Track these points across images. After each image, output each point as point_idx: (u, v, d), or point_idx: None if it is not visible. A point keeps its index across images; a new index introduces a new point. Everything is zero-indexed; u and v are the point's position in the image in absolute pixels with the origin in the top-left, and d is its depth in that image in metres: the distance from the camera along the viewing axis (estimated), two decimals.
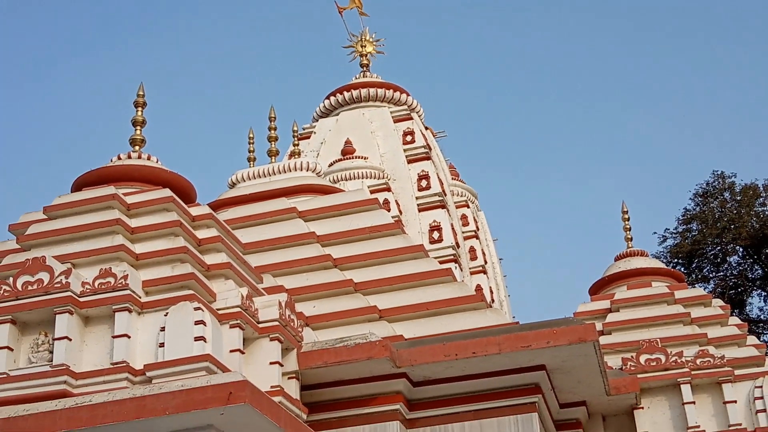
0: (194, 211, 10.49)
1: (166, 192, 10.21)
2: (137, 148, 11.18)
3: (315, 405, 10.46)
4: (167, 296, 9.23)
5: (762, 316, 31.28)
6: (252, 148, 15.59)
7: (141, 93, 11.40)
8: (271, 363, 9.82)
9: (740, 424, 12.51)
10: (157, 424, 7.83)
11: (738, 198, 30.74)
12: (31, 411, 7.96)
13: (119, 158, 11.03)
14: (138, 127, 11.29)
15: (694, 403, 12.55)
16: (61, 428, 7.76)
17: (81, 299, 9.06)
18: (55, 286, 9.02)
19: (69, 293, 8.97)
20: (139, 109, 11.36)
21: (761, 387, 12.60)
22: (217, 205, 13.20)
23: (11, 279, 9.23)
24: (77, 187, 10.58)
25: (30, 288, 9.08)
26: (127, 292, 9.08)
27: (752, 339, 13.83)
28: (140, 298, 9.25)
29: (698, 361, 12.86)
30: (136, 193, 10.26)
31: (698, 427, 12.39)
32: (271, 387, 9.51)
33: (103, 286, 9.12)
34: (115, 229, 9.74)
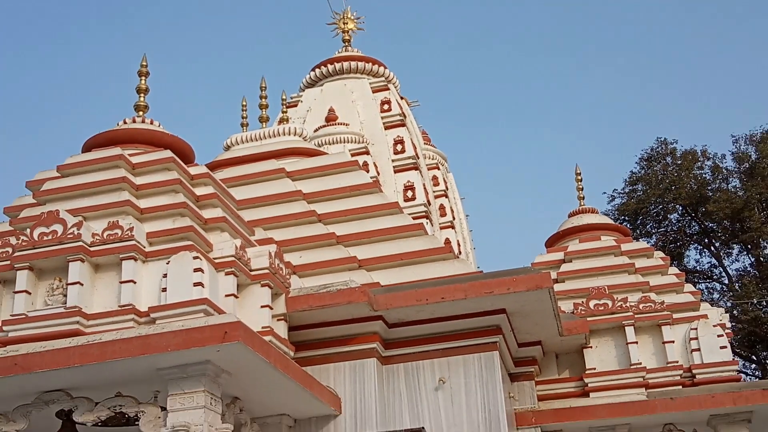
0: (193, 170, 10.48)
1: (168, 153, 10.19)
2: (141, 113, 11.12)
3: (301, 344, 10.54)
4: (169, 246, 9.26)
5: (698, 267, 31.68)
6: (245, 115, 15.59)
7: (144, 63, 11.31)
8: (262, 306, 9.88)
9: (677, 362, 12.70)
10: (160, 360, 7.90)
11: (678, 162, 30.93)
12: (47, 348, 8.00)
13: (125, 122, 10.98)
14: (142, 95, 11.22)
15: (636, 343, 12.70)
16: (74, 363, 7.81)
17: (91, 248, 9.07)
18: (68, 236, 9.02)
19: (80, 243, 8.98)
20: (143, 78, 11.28)
21: (696, 329, 12.78)
22: (214, 166, 13.17)
23: (28, 230, 9.22)
24: (87, 148, 10.53)
25: (45, 238, 9.08)
26: (133, 242, 9.09)
27: (689, 287, 13.99)
28: (144, 248, 9.27)
29: (641, 306, 13.00)
30: (140, 154, 10.24)
31: (640, 364, 12.55)
32: (262, 327, 9.58)
33: (111, 237, 9.13)
34: (121, 186, 9.73)
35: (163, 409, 8.04)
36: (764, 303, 29.11)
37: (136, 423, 8.19)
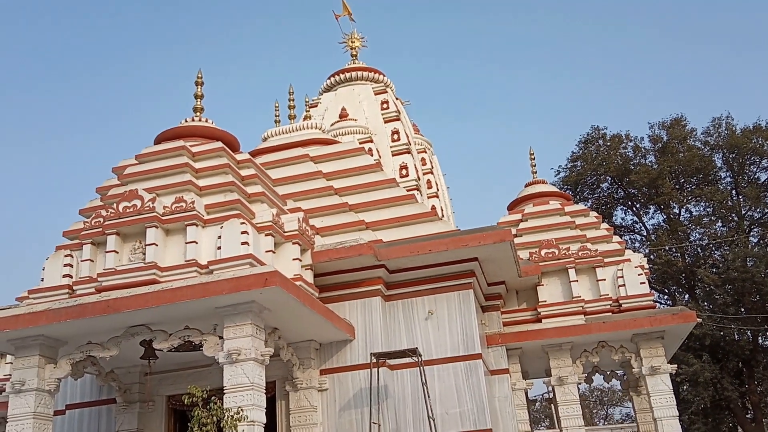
0: (238, 156, 10.40)
1: (219, 144, 10.11)
2: (198, 113, 11.00)
3: (324, 287, 10.55)
4: (222, 215, 9.24)
5: (623, 224, 31.56)
6: (277, 114, 15.47)
7: (200, 76, 11.17)
8: (293, 259, 9.89)
9: (608, 295, 12.69)
10: (217, 301, 7.92)
11: (608, 143, 30.68)
12: (133, 293, 8.02)
13: (186, 121, 10.86)
14: (198, 99, 11.09)
15: (577, 281, 12.69)
16: (152, 304, 7.84)
17: (163, 218, 9.05)
18: (145, 209, 9.00)
19: (155, 214, 8.96)
20: (199, 86, 11.15)
21: (621, 270, 12.76)
22: (254, 153, 13.06)
23: (115, 204, 9.19)
24: (158, 141, 10.44)
25: (128, 210, 9.06)
26: (195, 212, 9.07)
27: (616, 238, 13.92)
28: (203, 216, 9.24)
29: (580, 253, 12.98)
30: (198, 145, 10.15)
31: (579, 297, 12.55)
32: (294, 275, 9.58)
33: (177, 209, 9.10)
34: (184, 169, 9.67)
35: (221, 337, 8.08)
36: (673, 249, 29.09)
37: (201, 348, 8.24)
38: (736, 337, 26.67)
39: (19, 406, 8.20)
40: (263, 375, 8.13)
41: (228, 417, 7.48)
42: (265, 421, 8.02)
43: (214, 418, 7.47)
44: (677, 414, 11.59)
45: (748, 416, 27.14)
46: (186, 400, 7.69)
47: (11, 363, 9.55)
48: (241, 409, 7.59)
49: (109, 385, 10.29)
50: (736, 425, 28.27)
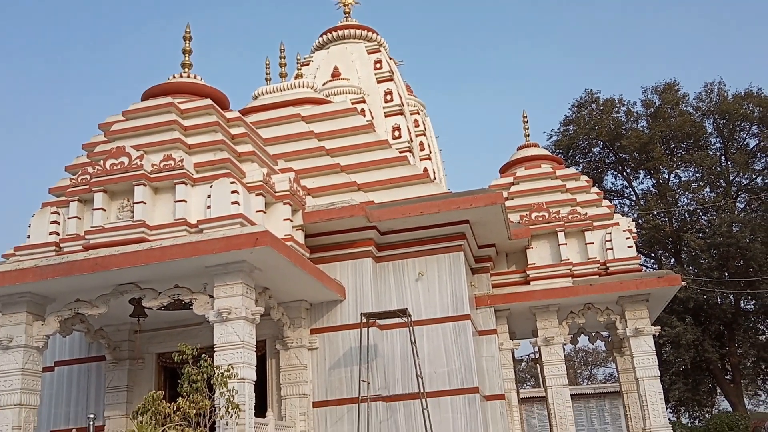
0: (228, 114, 10.18)
1: (208, 101, 9.87)
2: (186, 69, 10.73)
3: (315, 248, 10.48)
4: (211, 174, 9.06)
5: (613, 188, 31.61)
6: (268, 72, 15.16)
7: (188, 31, 10.86)
8: (284, 219, 9.77)
9: (595, 258, 12.72)
10: (207, 260, 7.83)
11: (601, 108, 30.51)
12: (121, 251, 7.91)
13: (174, 77, 10.59)
14: (187, 55, 10.80)
15: (566, 244, 12.69)
16: (141, 263, 7.74)
17: (151, 176, 8.87)
18: (133, 166, 8.81)
19: (143, 171, 8.77)
20: (187, 42, 10.84)
21: (610, 233, 12.75)
22: (245, 112, 12.83)
23: (102, 161, 8.99)
24: (145, 97, 10.18)
25: (115, 168, 8.87)
26: (183, 170, 8.89)
27: (606, 202, 13.88)
28: (192, 175, 9.06)
29: (569, 217, 12.95)
30: (186, 102, 9.91)
31: (568, 259, 12.57)
32: (285, 235, 9.48)
33: (166, 167, 8.92)
34: (173, 127, 9.45)
35: (211, 296, 8.01)
36: (661, 214, 29.21)
37: (190, 307, 8.18)
38: (719, 300, 27.00)
39: (7, 362, 8.15)
40: (254, 333, 8.10)
41: (218, 374, 7.48)
42: (255, 378, 8.02)
43: (205, 376, 7.47)
44: (659, 374, 11.76)
45: (728, 377, 27.68)
46: (176, 358, 7.67)
47: None
48: (231, 367, 7.58)
49: (99, 343, 10.25)
50: (715, 386, 28.84)
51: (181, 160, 8.90)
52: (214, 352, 7.82)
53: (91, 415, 8.10)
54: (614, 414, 24.58)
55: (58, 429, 10.14)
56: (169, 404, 7.31)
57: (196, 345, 7.83)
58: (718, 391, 29.30)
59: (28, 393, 8.14)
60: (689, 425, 28.61)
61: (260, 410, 8.66)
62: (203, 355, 7.68)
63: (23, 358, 8.15)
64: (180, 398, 7.35)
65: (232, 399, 7.41)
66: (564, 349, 12.43)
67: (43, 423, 10.13)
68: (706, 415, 29.30)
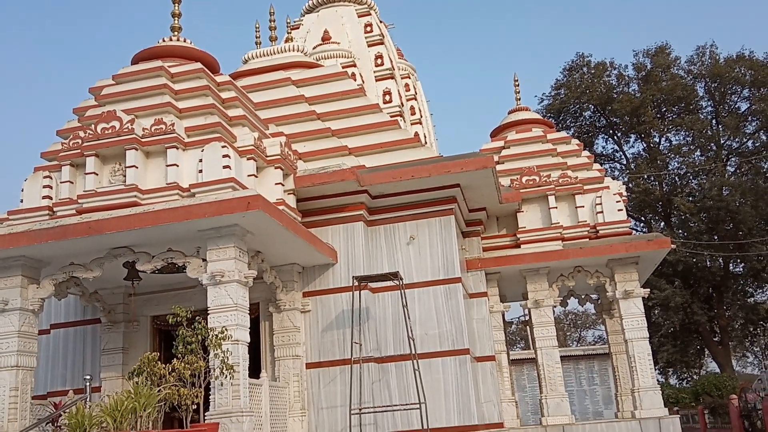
0: (219, 78, 10.15)
1: (198, 65, 9.84)
2: (176, 33, 10.65)
3: (307, 212, 10.57)
4: (202, 138, 9.09)
5: (604, 152, 31.75)
6: (258, 35, 15.01)
7: None
8: (275, 184, 9.84)
9: (586, 221, 12.86)
10: (200, 224, 7.90)
11: (592, 71, 30.48)
12: (114, 215, 7.97)
13: (164, 41, 10.51)
14: (176, 18, 10.71)
15: (556, 208, 12.81)
16: (134, 226, 7.80)
17: (143, 140, 8.89)
18: (124, 130, 8.82)
19: (134, 136, 8.79)
20: (176, 4, 10.75)
21: (600, 197, 12.88)
22: (235, 76, 12.77)
23: (93, 126, 8.99)
24: (135, 61, 10.12)
25: (107, 132, 8.88)
26: (175, 134, 8.91)
27: (596, 166, 13.99)
28: (184, 139, 9.09)
29: (560, 180, 13.05)
30: (176, 65, 9.88)
31: (558, 223, 12.70)
32: (276, 199, 9.56)
33: (157, 131, 8.94)
34: (163, 91, 9.43)
35: (204, 260, 8.11)
36: (651, 178, 29.39)
37: (184, 271, 8.27)
38: (708, 263, 27.38)
39: (3, 325, 8.26)
40: (247, 296, 8.23)
41: (212, 336, 7.61)
42: (248, 340, 8.17)
43: (199, 337, 7.60)
44: (648, 336, 11.98)
45: (716, 339, 28.23)
46: (170, 320, 7.80)
47: None
48: (225, 329, 7.71)
49: (94, 306, 10.37)
50: (703, 348, 29.43)
51: (172, 124, 8.91)
52: (208, 314, 7.94)
53: (88, 377, 8.25)
54: (603, 375, 25.07)
55: (55, 390, 10.30)
56: (164, 365, 7.45)
57: (191, 308, 7.94)
58: (707, 353, 29.92)
59: (24, 355, 8.27)
60: (677, 386, 29.24)
61: (254, 372, 8.85)
62: (197, 318, 7.81)
63: (19, 321, 8.26)
64: (175, 359, 7.50)
65: (226, 360, 7.56)
66: (554, 311, 12.62)
67: (41, 384, 10.28)
68: (694, 377, 29.95)
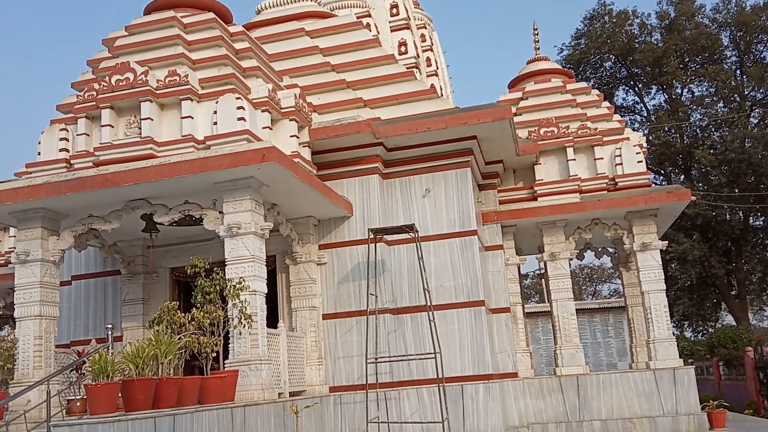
0: (232, 29, 10.05)
1: (211, 15, 9.72)
2: None
3: (322, 165, 10.57)
4: (216, 89, 9.05)
5: (624, 104, 31.25)
6: None
7: None
8: (290, 136, 9.81)
9: (604, 173, 12.73)
10: (216, 176, 7.94)
11: (614, 20, 29.76)
12: (131, 167, 8.02)
13: None
14: None
15: (575, 160, 12.68)
16: (151, 179, 7.85)
17: (157, 92, 8.87)
18: (138, 82, 8.80)
19: (148, 87, 8.77)
20: None
21: (620, 148, 12.71)
22: (249, 27, 12.63)
23: (107, 77, 8.97)
24: (148, 11, 10.02)
25: (121, 84, 8.86)
26: (189, 86, 8.88)
27: (617, 117, 13.78)
28: (198, 90, 9.06)
29: (579, 132, 12.88)
30: (189, 15, 9.76)
31: (576, 175, 12.59)
32: (291, 152, 9.55)
33: (171, 83, 8.91)
34: (176, 41, 9.36)
35: (221, 212, 8.17)
36: (673, 130, 28.95)
37: (201, 223, 8.36)
38: (728, 217, 27.12)
39: (25, 276, 8.44)
40: (263, 248, 8.31)
41: (230, 286, 7.73)
42: (266, 291, 8.29)
43: (217, 288, 7.72)
44: (665, 288, 11.97)
45: (733, 293, 28.17)
46: (189, 271, 7.92)
47: (14, 236, 9.71)
48: (243, 279, 7.82)
49: (113, 257, 10.54)
50: (720, 301, 29.41)
51: (186, 76, 8.87)
52: (226, 265, 8.05)
53: (109, 326, 8.43)
54: (618, 328, 25.18)
55: (78, 339, 10.57)
56: (183, 314, 7.60)
57: (208, 259, 8.05)
58: (723, 306, 29.90)
59: (47, 305, 8.46)
60: (692, 339, 29.35)
61: (272, 322, 9.00)
62: (215, 269, 7.91)
63: (41, 272, 8.43)
64: (194, 309, 7.64)
65: (244, 310, 7.69)
66: (570, 264, 12.61)
67: (63, 334, 10.56)
68: (710, 330, 30.01)
